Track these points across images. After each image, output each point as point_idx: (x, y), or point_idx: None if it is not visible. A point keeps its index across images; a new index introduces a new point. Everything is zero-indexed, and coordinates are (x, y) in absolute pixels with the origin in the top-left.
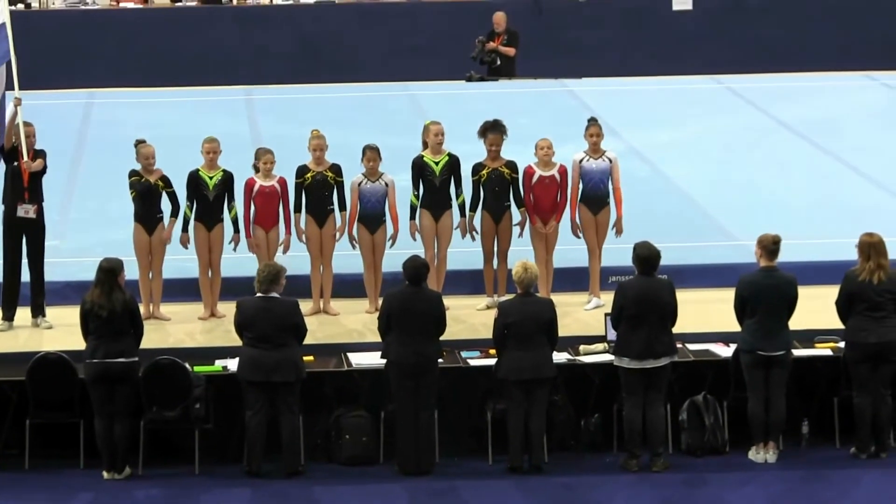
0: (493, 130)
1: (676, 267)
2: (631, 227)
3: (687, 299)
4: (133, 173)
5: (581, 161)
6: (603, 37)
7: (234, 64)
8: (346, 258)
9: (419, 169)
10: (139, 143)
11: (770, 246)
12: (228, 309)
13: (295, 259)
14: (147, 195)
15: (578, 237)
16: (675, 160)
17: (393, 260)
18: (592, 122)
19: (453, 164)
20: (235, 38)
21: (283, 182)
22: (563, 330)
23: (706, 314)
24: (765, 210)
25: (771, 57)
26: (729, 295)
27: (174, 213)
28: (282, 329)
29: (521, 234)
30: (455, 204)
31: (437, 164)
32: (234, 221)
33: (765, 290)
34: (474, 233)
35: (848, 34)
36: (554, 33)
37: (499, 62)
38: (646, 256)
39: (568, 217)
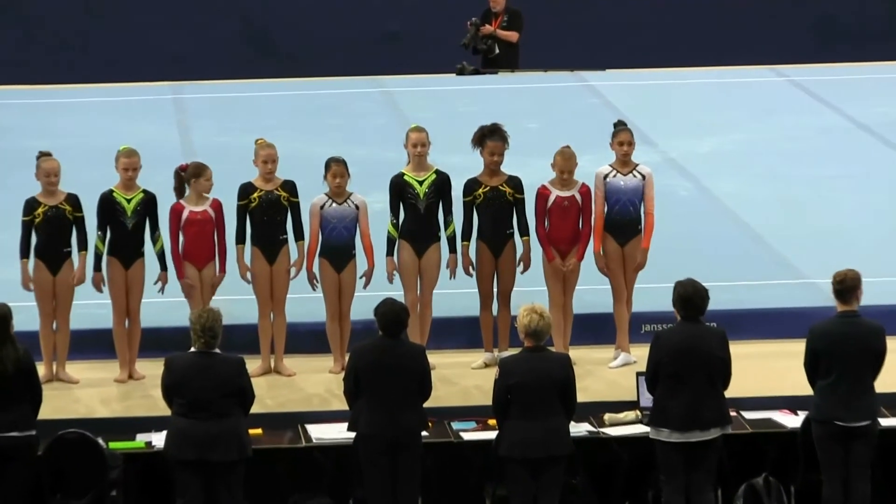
0: (492, 137)
1: (729, 312)
2: (669, 260)
3: (743, 354)
4: (30, 206)
5: (606, 177)
6: (631, 18)
7: (161, 55)
8: (304, 302)
9: (399, 190)
10: (42, 156)
11: (849, 284)
12: (153, 368)
13: (238, 304)
14: (52, 225)
15: (606, 274)
16: (725, 174)
17: (364, 305)
18: (621, 127)
19: (441, 183)
20: (163, 23)
21: (217, 205)
22: (583, 394)
23: (768, 373)
24: (841, 239)
25: (844, 42)
26: (798, 348)
27: (84, 246)
28: (223, 394)
29: (523, 271)
30: (443, 235)
31: (420, 183)
32: (160, 256)
33: (843, 343)
34: (471, 267)
35: None
36: (567, 13)
37: (497, 50)
38: (689, 297)
39: (590, 249)
